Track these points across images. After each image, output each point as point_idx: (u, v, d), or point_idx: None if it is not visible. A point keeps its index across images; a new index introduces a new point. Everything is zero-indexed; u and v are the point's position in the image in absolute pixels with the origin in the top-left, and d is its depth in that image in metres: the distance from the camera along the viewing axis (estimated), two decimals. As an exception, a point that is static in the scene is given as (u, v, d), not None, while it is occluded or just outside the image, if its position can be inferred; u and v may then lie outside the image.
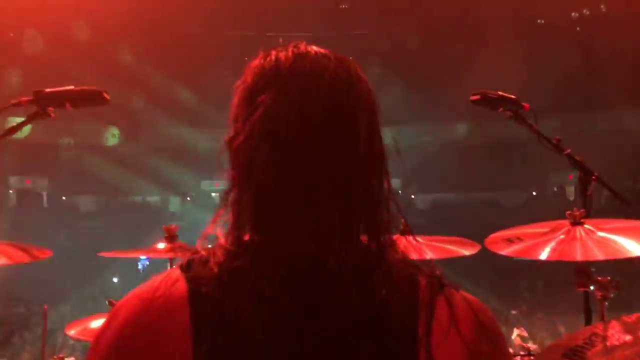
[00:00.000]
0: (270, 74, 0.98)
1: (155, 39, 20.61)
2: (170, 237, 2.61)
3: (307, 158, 0.93)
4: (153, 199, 24.60)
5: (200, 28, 21.27)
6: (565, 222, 2.23)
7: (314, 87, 0.96)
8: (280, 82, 0.97)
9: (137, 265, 22.41)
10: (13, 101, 1.83)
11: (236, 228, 0.96)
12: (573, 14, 21.14)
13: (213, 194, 25.35)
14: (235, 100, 1.01)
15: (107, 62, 17.82)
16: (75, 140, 21.57)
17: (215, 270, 0.92)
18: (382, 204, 0.99)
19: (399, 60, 21.72)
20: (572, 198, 19.94)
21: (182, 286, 0.93)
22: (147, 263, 22.45)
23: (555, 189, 22.17)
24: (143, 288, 0.96)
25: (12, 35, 19.36)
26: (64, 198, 23.82)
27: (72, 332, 2.46)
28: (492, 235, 2.31)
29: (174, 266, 1.00)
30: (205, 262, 0.95)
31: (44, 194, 23.29)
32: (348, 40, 21.87)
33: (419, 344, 0.91)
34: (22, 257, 1.98)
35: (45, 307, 2.40)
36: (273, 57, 1.00)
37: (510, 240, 2.23)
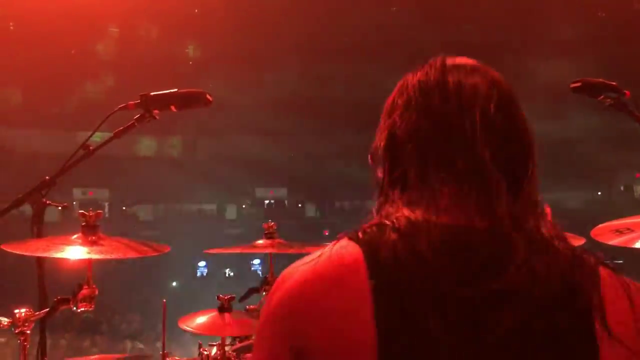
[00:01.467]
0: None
1: (212, 47, 21.00)
2: (270, 234, 2.80)
3: (473, 138, 0.98)
4: (209, 207, 25.07)
5: (255, 36, 21.52)
6: (677, 212, 2.10)
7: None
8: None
9: (196, 271, 22.89)
10: (121, 105, 1.88)
11: (402, 203, 0.99)
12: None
13: (266, 202, 25.62)
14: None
15: (165, 70, 18.24)
16: (136, 152, 22.27)
17: (389, 235, 0.93)
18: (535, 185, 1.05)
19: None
20: (640, 197, 19.23)
21: (355, 249, 0.93)
22: (206, 270, 22.92)
23: (622, 188, 21.40)
24: (313, 254, 0.96)
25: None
26: (124, 208, 24.60)
27: (184, 326, 2.51)
28: (599, 227, 2.19)
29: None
30: (372, 230, 0.96)
31: (106, 204, 24.11)
32: (398, 43, 21.73)
33: (595, 315, 0.92)
34: (148, 251, 2.10)
35: (164, 301, 2.46)
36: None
37: (619, 231, 2.11)
